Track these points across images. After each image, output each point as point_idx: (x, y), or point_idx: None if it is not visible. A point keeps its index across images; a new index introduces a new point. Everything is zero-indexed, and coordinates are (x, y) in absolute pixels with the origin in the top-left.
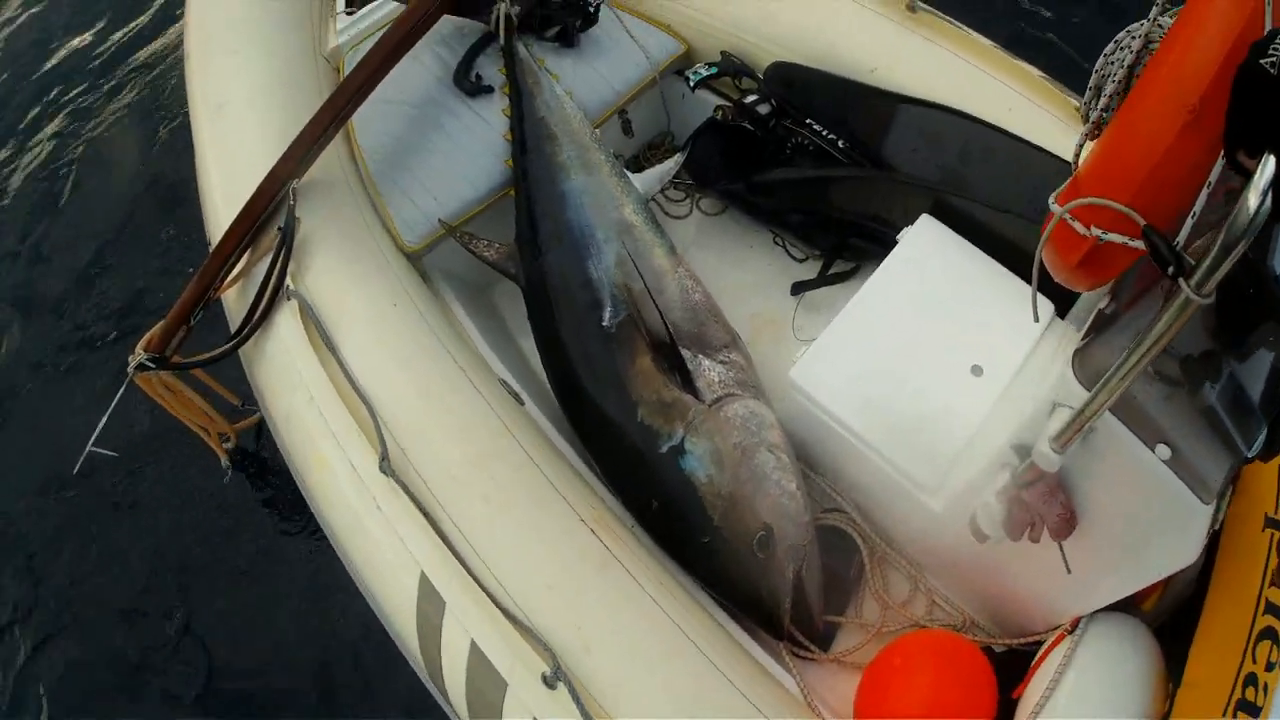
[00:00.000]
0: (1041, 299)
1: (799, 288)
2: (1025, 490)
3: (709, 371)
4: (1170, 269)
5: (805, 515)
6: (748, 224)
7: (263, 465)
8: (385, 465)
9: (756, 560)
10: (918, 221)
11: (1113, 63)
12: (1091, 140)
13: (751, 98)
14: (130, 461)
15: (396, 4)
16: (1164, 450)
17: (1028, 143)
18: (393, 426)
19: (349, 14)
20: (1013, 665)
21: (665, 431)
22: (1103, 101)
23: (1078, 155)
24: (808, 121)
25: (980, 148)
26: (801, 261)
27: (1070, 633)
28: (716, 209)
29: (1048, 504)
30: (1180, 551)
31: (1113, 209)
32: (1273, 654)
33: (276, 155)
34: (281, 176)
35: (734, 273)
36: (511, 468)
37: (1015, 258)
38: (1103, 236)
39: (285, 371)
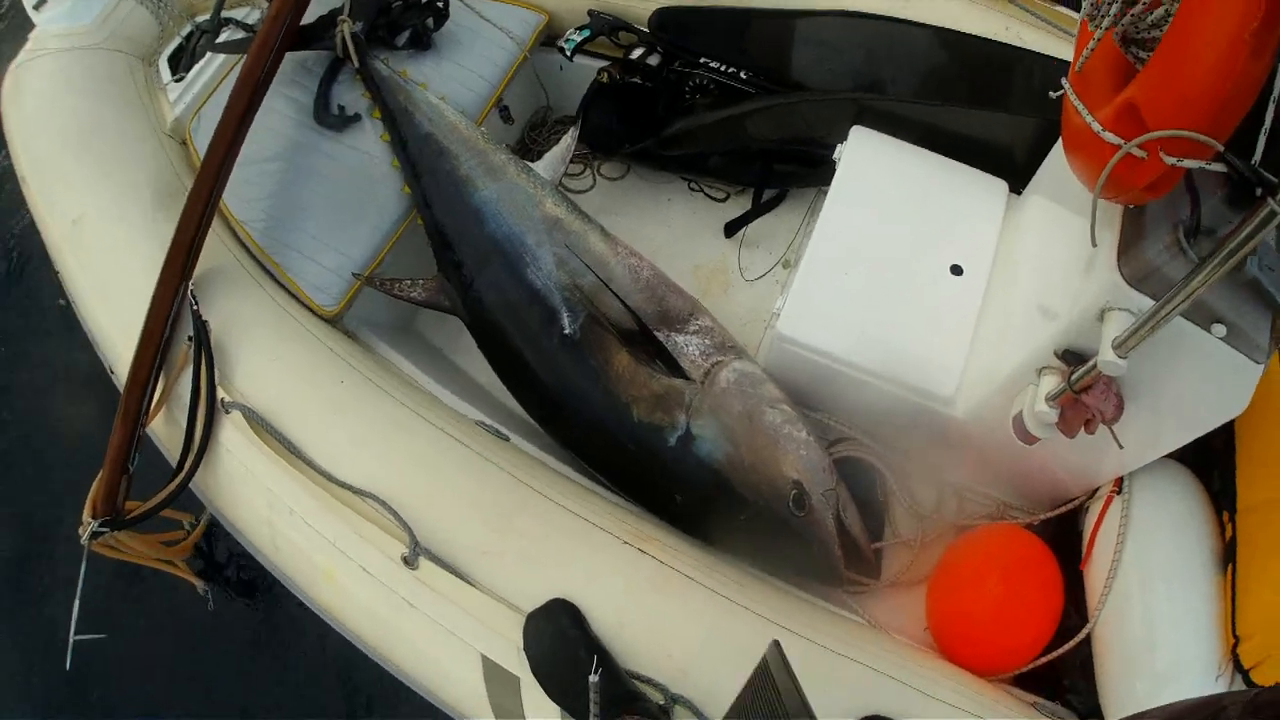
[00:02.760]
0: (992, 179)
1: (732, 228)
2: (1083, 394)
3: (687, 347)
4: (1258, 190)
5: (825, 458)
6: (656, 177)
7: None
8: (414, 559)
9: (797, 519)
10: (850, 135)
11: None
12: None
13: (638, 52)
14: (119, 630)
15: (225, 55)
16: (1219, 329)
17: (927, 26)
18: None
19: (177, 81)
20: (1053, 532)
21: (668, 424)
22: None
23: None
24: (703, 61)
25: (884, 44)
26: (723, 201)
27: (1118, 493)
28: (619, 171)
29: (1105, 400)
30: (1231, 404)
31: (1189, 139)
32: None
33: (152, 258)
34: (173, 282)
35: (661, 231)
36: (536, 517)
37: (951, 144)
38: (1180, 163)
39: (254, 492)
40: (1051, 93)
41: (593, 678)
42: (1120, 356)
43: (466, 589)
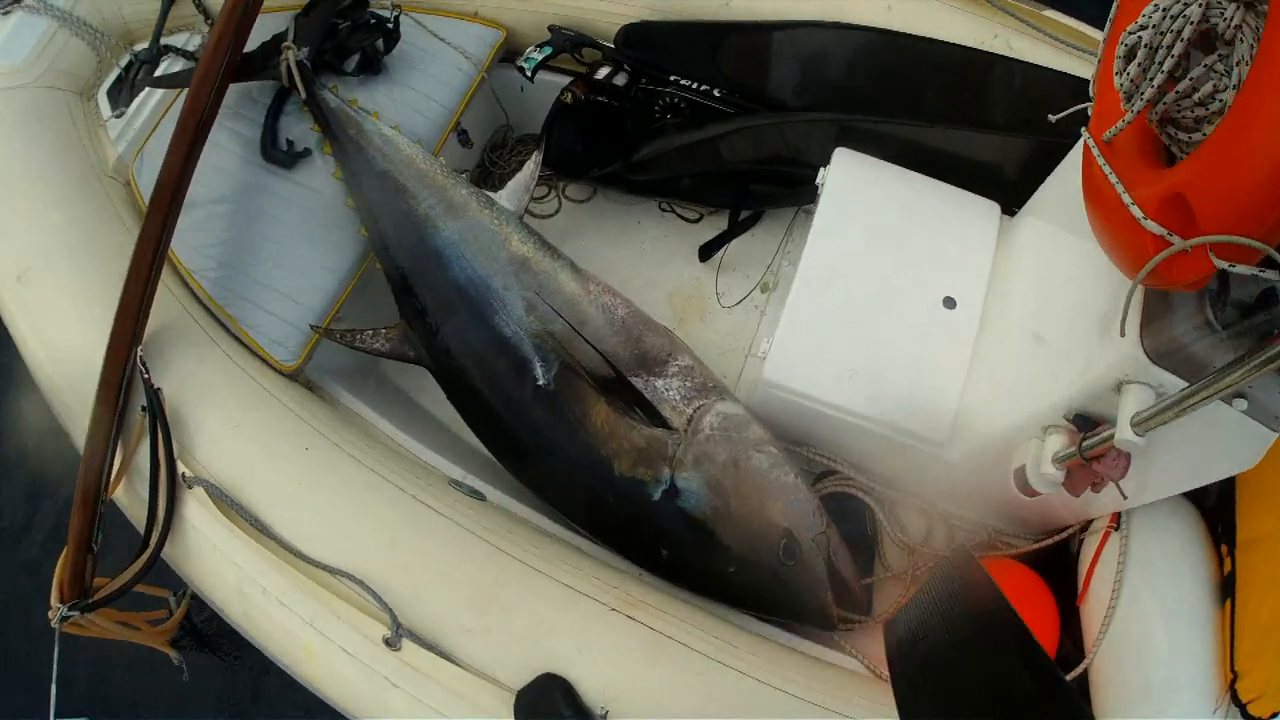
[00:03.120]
0: (984, 201)
1: (707, 252)
2: (1093, 461)
3: (667, 391)
4: None
5: (814, 500)
6: (625, 199)
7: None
8: (396, 641)
9: (787, 569)
10: (834, 158)
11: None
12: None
13: (604, 70)
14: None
15: (166, 90)
16: (1240, 403)
17: (913, 36)
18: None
19: (118, 117)
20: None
21: (651, 478)
22: (1159, 78)
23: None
24: (673, 79)
25: (867, 57)
26: (696, 222)
27: (1116, 529)
28: (585, 194)
29: (1115, 466)
30: (1242, 461)
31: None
32: None
33: (100, 316)
34: (122, 348)
35: (632, 256)
36: (519, 588)
37: (940, 165)
38: (1232, 269)
39: (222, 569)
40: (1051, 116)
41: None
42: (1139, 435)
43: (451, 669)
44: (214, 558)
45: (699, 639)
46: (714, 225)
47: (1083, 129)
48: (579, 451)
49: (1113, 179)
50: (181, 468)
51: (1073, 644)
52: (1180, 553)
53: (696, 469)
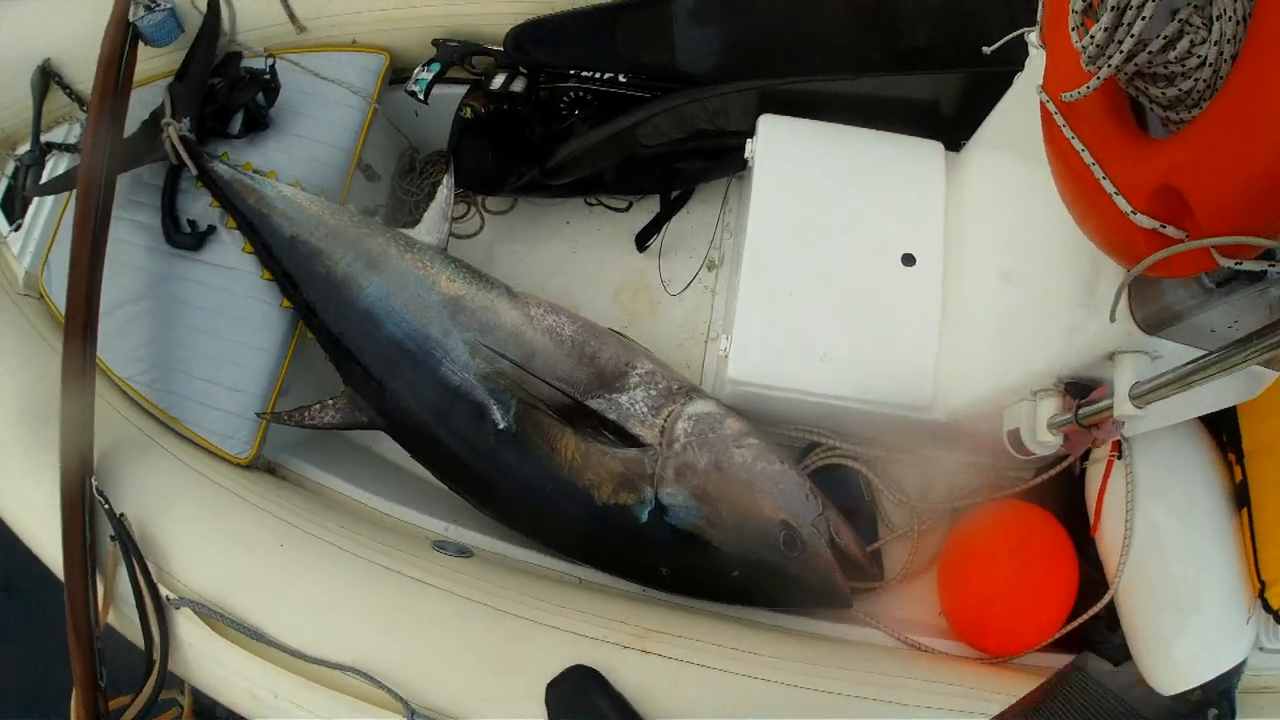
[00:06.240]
0: (925, 143)
1: (643, 240)
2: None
3: (633, 406)
4: None
5: (805, 483)
6: (548, 201)
7: None
8: None
9: (793, 560)
10: (759, 126)
11: None
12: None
13: (499, 79)
14: None
15: (55, 194)
16: None
17: None
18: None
19: (16, 230)
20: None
21: (636, 500)
22: (1129, 43)
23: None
24: (573, 72)
25: (777, 15)
26: (626, 210)
27: (1119, 456)
28: (506, 204)
29: (1114, 428)
30: (1243, 394)
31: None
32: None
33: (45, 448)
34: (75, 482)
35: (567, 260)
36: (527, 646)
37: (872, 113)
38: (1238, 266)
39: (230, 679)
40: (986, 48)
41: None
42: (1139, 408)
43: None
44: (218, 671)
45: (719, 655)
46: (645, 210)
47: (1038, 89)
48: (556, 488)
49: (1089, 160)
50: (164, 591)
51: (1092, 566)
52: (1189, 467)
53: (679, 482)
